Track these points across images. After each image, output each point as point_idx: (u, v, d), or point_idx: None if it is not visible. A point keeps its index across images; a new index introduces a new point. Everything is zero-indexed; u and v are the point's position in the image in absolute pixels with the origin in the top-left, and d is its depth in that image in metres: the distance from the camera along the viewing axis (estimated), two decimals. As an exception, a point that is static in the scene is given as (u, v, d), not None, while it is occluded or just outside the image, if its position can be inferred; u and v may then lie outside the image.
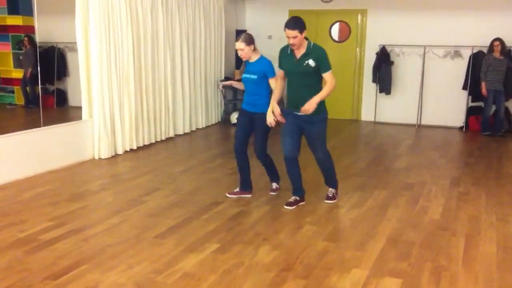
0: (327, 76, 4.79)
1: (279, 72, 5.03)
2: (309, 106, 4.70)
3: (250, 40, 5.00)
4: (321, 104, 4.85)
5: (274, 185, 5.56)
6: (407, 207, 5.18)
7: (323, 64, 4.77)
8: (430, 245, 4.21)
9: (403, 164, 7.02)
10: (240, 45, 4.98)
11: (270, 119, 5.00)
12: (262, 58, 5.09)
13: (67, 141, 6.66)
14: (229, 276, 3.61)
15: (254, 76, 5.05)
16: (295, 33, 4.61)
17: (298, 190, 5.18)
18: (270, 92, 5.11)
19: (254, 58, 5.08)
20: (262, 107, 5.09)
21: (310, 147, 5.08)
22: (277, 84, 5.03)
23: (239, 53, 5.03)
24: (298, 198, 5.16)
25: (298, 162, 5.08)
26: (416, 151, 8.00)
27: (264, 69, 5.02)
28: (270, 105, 5.00)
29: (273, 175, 5.55)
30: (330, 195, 5.31)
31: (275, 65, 5.05)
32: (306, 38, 4.76)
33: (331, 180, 5.34)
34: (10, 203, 5.11)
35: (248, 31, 10.78)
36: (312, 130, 4.93)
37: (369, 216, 4.89)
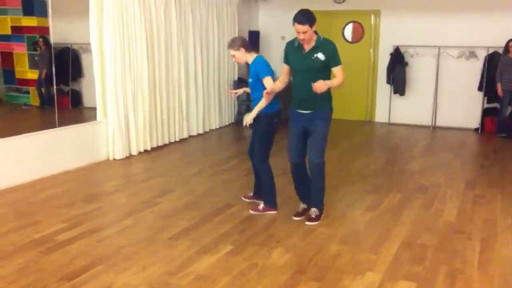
0: (337, 70, 4.50)
1: (283, 68, 4.68)
2: (321, 85, 4.31)
3: (236, 44, 4.74)
4: (328, 100, 4.64)
5: (250, 195, 5.33)
6: (422, 210, 5.14)
7: (333, 58, 4.51)
8: (445, 248, 4.17)
9: (417, 166, 6.97)
10: (230, 52, 4.79)
11: (246, 119, 4.73)
12: (255, 58, 4.79)
13: (82, 141, 6.71)
14: (243, 278, 3.60)
15: (250, 80, 4.81)
16: (305, 28, 4.38)
17: (316, 202, 4.77)
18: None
19: (250, 60, 4.81)
20: (264, 108, 4.79)
21: (308, 152, 4.65)
22: (276, 83, 4.68)
23: (233, 60, 4.84)
24: (318, 213, 4.73)
25: (306, 169, 4.78)
26: (431, 153, 7.94)
27: (256, 69, 4.72)
28: (256, 107, 4.69)
29: (259, 188, 5.18)
30: (313, 216, 4.71)
31: (274, 63, 4.78)
32: (315, 32, 4.52)
33: (318, 198, 4.75)
34: (26, 204, 5.15)
35: (261, 32, 10.82)
36: (315, 130, 4.57)
37: (384, 219, 4.86)
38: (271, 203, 5.00)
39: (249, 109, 10.56)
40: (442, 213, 5.04)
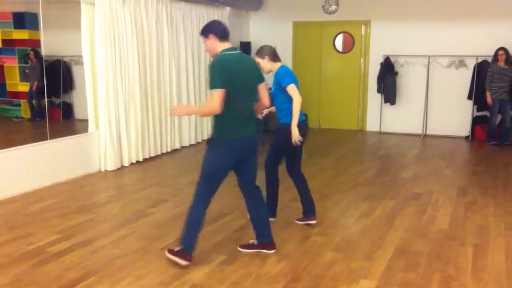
0: (209, 95, 3.86)
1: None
2: (178, 109, 4.12)
3: (261, 52, 4.69)
4: (216, 127, 3.96)
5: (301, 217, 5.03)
6: (415, 217, 5.16)
7: (209, 79, 3.84)
8: (439, 255, 4.19)
9: (410, 174, 7.00)
10: (256, 59, 4.66)
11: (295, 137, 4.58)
12: (279, 68, 4.68)
13: (74, 153, 6.68)
14: (237, 287, 3.60)
15: (272, 88, 4.74)
16: (202, 39, 4.02)
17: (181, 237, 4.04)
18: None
19: (274, 69, 4.71)
20: (280, 119, 4.74)
21: None
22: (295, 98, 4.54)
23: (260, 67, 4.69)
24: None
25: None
26: (423, 160, 7.99)
27: (278, 78, 4.62)
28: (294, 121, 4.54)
29: (269, 202, 4.91)
30: (170, 256, 3.96)
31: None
32: (230, 49, 3.95)
33: (184, 232, 3.97)
34: (18, 216, 5.12)
35: (252, 43, 10.87)
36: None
37: (377, 226, 4.87)
38: (270, 213, 4.94)
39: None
40: (435, 220, 5.06)
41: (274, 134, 4.89)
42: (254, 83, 4.02)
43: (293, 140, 4.57)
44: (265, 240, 4.23)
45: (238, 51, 4.02)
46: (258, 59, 4.66)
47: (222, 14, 9.95)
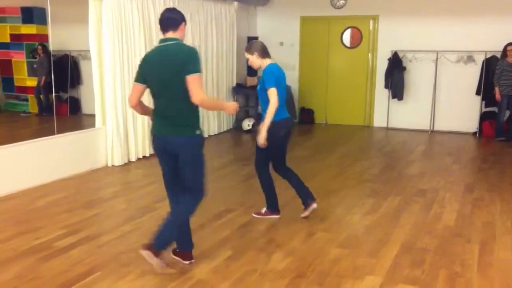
0: None
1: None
2: None
3: (249, 48, 4.68)
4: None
5: (263, 209, 5.10)
6: (421, 214, 5.14)
7: None
8: (445, 252, 4.17)
9: (416, 170, 6.97)
10: (246, 55, 4.74)
11: (259, 140, 4.63)
12: (267, 66, 4.66)
13: (81, 148, 6.70)
14: (242, 283, 3.60)
15: (258, 86, 4.76)
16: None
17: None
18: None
19: (263, 66, 4.70)
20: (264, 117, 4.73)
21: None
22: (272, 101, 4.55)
23: (248, 62, 4.79)
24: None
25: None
26: (429, 157, 7.95)
27: (262, 77, 4.64)
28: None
29: (269, 201, 5.04)
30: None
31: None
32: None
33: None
34: (24, 211, 5.15)
35: (259, 38, 10.84)
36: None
37: (383, 223, 4.86)
38: (274, 208, 5.03)
39: (247, 115, 10.61)
40: (441, 217, 5.04)
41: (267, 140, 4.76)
42: (169, 77, 3.59)
43: (258, 141, 4.61)
44: None
45: (165, 43, 3.76)
46: (247, 55, 4.69)
47: (229, 9, 9.93)
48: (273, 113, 4.56)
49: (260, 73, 4.90)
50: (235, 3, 10.13)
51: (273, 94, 4.55)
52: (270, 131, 4.60)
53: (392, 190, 5.97)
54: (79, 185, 6.14)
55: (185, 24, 3.79)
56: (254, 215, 5.03)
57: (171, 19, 3.74)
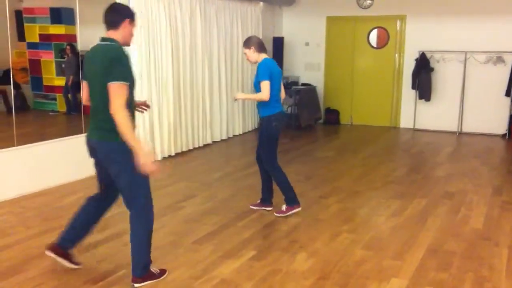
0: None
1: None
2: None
3: (247, 43, 4.85)
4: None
5: (257, 203, 5.26)
6: (448, 216, 5.06)
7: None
8: (472, 255, 4.10)
9: (443, 172, 6.87)
10: (243, 49, 4.92)
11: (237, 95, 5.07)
12: (262, 60, 4.85)
13: (107, 147, 6.77)
14: (266, 283, 3.60)
15: (254, 79, 4.94)
16: None
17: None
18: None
19: (259, 60, 4.88)
20: (262, 111, 4.90)
21: None
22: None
23: (245, 57, 4.99)
24: None
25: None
26: (457, 159, 7.83)
27: (257, 70, 4.82)
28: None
29: (266, 192, 5.20)
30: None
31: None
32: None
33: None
34: (52, 208, 5.23)
35: (285, 38, 10.83)
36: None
37: (408, 225, 4.80)
38: (293, 201, 5.04)
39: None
40: (469, 220, 4.96)
41: (259, 131, 5.07)
42: (94, 78, 3.39)
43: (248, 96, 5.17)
44: None
45: (100, 43, 3.47)
46: (245, 50, 4.89)
47: (255, 10, 9.93)
48: (258, 99, 4.80)
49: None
50: (261, 3, 10.13)
51: (265, 86, 4.74)
52: (263, 124, 4.90)
53: (418, 192, 5.90)
54: (105, 183, 6.20)
55: (131, 20, 3.49)
56: (277, 215, 5.02)
57: (110, 18, 3.45)
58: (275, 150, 5.03)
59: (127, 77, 3.32)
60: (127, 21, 3.45)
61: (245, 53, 4.91)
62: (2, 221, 4.74)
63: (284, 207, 5.06)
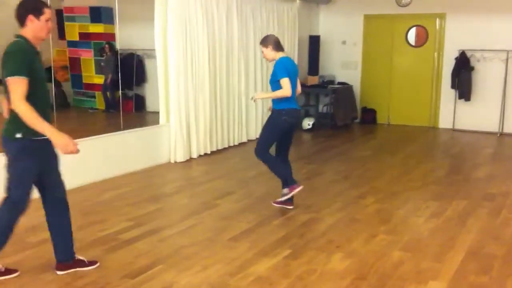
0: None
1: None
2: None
3: (265, 41, 4.96)
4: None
5: (285, 190, 5.17)
6: (489, 219, 4.94)
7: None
8: (514, 259, 4.00)
9: (483, 173, 6.71)
10: (261, 47, 5.04)
11: (257, 95, 5.36)
12: (279, 59, 4.93)
13: (145, 144, 6.87)
14: (302, 282, 3.58)
15: (271, 77, 5.01)
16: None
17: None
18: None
19: (276, 58, 4.97)
20: (276, 104, 5.01)
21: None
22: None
23: (263, 55, 5.10)
24: None
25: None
26: (498, 160, 7.64)
27: (274, 68, 4.90)
28: None
29: (283, 175, 5.16)
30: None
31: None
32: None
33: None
34: (91, 203, 5.33)
35: (321, 37, 10.77)
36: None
37: (448, 227, 4.71)
38: (291, 182, 5.08)
39: (307, 114, 10.56)
40: (510, 222, 4.83)
41: (267, 119, 5.17)
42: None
43: (268, 95, 5.15)
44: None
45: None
46: (262, 48, 4.99)
47: (291, 8, 9.90)
48: (279, 96, 4.86)
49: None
50: (298, 1, 10.09)
51: (285, 83, 4.80)
52: (274, 115, 5.00)
53: (458, 193, 5.78)
54: (143, 179, 6.30)
55: (37, 14, 3.33)
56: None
57: (16, 15, 3.35)
58: (272, 142, 5.13)
59: (23, 71, 3.21)
60: (30, 16, 3.31)
61: (263, 51, 5.02)
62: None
63: (285, 190, 5.12)
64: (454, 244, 4.28)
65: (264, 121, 9.17)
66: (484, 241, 4.37)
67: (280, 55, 4.96)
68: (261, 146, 5.08)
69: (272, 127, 5.06)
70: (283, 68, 4.84)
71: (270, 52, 4.95)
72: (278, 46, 4.96)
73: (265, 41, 4.97)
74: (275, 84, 4.93)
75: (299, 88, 5.17)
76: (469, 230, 4.62)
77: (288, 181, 5.12)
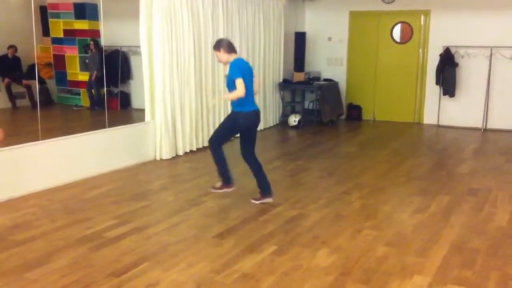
0: None
1: None
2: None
3: (217, 46, 5.09)
4: None
5: (219, 183, 5.41)
6: (472, 213, 5.00)
7: None
8: (496, 253, 4.05)
9: (467, 169, 6.78)
10: (214, 52, 5.16)
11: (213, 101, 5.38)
12: (233, 60, 5.05)
13: (130, 142, 6.84)
14: (287, 278, 3.60)
15: (227, 79, 5.13)
16: None
17: None
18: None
19: (230, 60, 5.08)
20: (234, 106, 5.12)
21: None
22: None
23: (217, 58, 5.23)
24: None
25: None
26: (482, 155, 7.72)
27: (229, 70, 5.03)
28: None
29: (221, 172, 5.34)
30: None
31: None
32: None
33: None
34: (76, 201, 5.30)
35: (307, 33, 10.80)
36: None
37: (432, 222, 4.75)
38: (228, 181, 5.34)
39: (293, 111, 10.58)
40: (494, 217, 4.89)
41: (225, 118, 5.34)
42: None
43: (223, 98, 5.14)
44: None
45: None
46: (216, 52, 5.13)
47: (277, 4, 9.91)
48: (235, 97, 4.96)
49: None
50: (284, -2, 10.10)
51: (239, 83, 4.91)
52: (235, 117, 5.09)
53: (442, 188, 5.83)
54: (128, 177, 6.27)
55: None
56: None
57: None
58: (227, 138, 5.33)
59: None
60: None
61: (217, 55, 5.14)
62: (29, 213, 4.82)
63: (218, 184, 5.36)
64: (438, 239, 4.33)
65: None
66: (467, 235, 4.42)
67: (233, 56, 5.08)
68: (216, 138, 5.26)
69: (229, 125, 5.20)
70: (236, 69, 4.96)
71: (223, 55, 5.06)
72: (231, 48, 5.08)
73: (217, 46, 5.10)
74: (231, 86, 5.02)
75: (255, 84, 5.26)
76: (452, 225, 4.67)
77: (224, 180, 5.32)
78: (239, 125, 5.10)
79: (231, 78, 4.99)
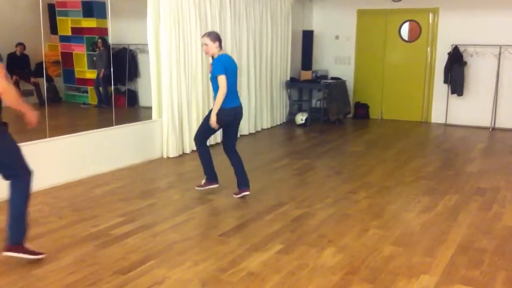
0: None
1: None
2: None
3: (214, 36, 5.03)
4: None
5: (203, 181, 5.53)
6: (480, 213, 4.97)
7: None
8: (504, 253, 4.02)
9: (475, 168, 6.74)
10: (205, 40, 5.03)
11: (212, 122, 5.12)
12: (218, 56, 5.03)
13: (137, 140, 6.85)
14: (293, 277, 3.59)
15: (211, 75, 5.10)
16: None
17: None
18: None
19: (216, 55, 5.06)
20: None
21: None
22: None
23: (203, 48, 5.11)
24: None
25: None
26: (490, 155, 7.67)
27: (212, 67, 5.02)
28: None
29: (206, 168, 5.46)
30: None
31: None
32: None
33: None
34: (83, 199, 5.31)
35: (315, 32, 10.77)
36: None
37: (439, 221, 4.73)
38: (212, 178, 5.46)
39: (301, 109, 10.56)
40: (501, 217, 4.85)
41: (208, 113, 5.28)
42: None
43: (210, 123, 5.09)
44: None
45: None
46: (209, 41, 5.01)
47: (285, 2, 9.89)
48: (221, 99, 4.98)
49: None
50: (291, -4, 10.08)
51: (222, 80, 4.94)
52: (219, 116, 5.08)
53: (450, 188, 5.80)
54: (135, 175, 6.28)
55: None
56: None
57: None
58: (210, 134, 5.40)
59: None
60: None
61: (206, 44, 5.01)
62: (36, 211, 4.83)
63: (203, 182, 5.48)
64: (446, 239, 4.30)
65: (257, 116, 9.22)
66: (475, 235, 4.39)
67: (220, 52, 5.07)
68: (199, 135, 5.36)
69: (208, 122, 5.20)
70: (220, 66, 4.96)
71: (215, 49, 5.02)
72: (221, 44, 5.08)
73: (214, 36, 5.04)
74: (214, 81, 5.03)
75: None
76: (460, 224, 4.64)
77: (208, 177, 5.44)
78: (220, 121, 5.11)
79: (214, 75, 5.00)
